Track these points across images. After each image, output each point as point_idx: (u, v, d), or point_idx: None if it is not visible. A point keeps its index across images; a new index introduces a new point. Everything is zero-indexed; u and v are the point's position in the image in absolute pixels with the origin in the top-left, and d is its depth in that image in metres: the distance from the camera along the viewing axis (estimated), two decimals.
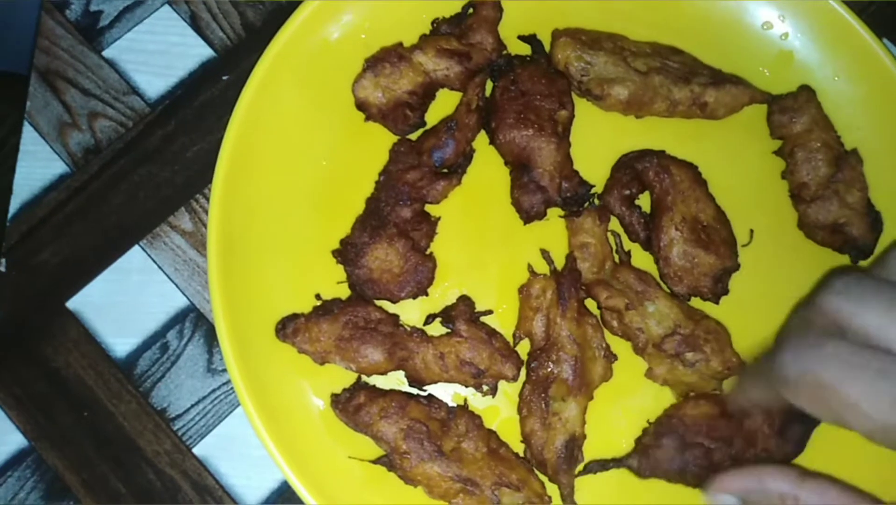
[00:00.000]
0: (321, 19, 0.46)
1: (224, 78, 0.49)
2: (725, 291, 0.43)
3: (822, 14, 0.47)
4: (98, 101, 0.48)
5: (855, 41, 0.46)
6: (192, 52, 0.49)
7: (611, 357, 0.42)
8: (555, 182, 0.43)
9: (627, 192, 0.45)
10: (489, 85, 0.46)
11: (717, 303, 0.43)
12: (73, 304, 0.45)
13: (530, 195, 0.43)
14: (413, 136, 0.46)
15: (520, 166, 0.44)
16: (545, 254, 0.45)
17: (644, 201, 0.45)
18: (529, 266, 0.44)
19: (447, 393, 0.43)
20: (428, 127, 0.46)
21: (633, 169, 0.44)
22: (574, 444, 0.40)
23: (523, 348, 0.43)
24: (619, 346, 0.43)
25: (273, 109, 0.45)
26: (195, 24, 0.50)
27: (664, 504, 0.42)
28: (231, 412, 0.44)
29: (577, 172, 0.45)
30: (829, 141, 0.45)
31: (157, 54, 0.49)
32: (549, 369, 0.41)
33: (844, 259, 0.45)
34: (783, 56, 0.48)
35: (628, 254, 0.45)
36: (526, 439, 0.41)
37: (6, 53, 0.72)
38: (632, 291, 0.42)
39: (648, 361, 0.42)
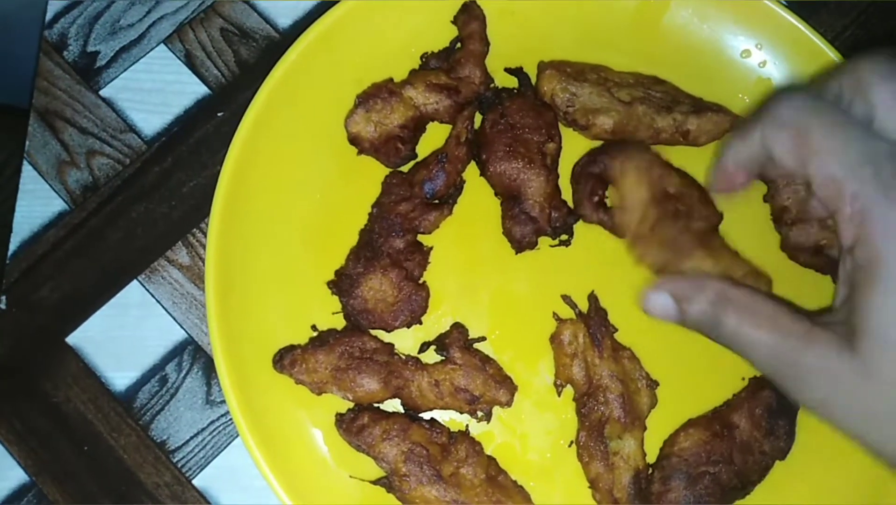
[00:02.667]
0: (313, 56, 0.47)
1: (219, 114, 0.50)
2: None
3: (797, 42, 0.48)
4: (96, 140, 0.49)
5: (828, 68, 0.48)
6: (187, 89, 0.51)
7: (653, 385, 0.43)
8: (545, 213, 0.44)
9: (596, 197, 0.45)
10: (478, 117, 0.48)
11: None
12: (72, 339, 0.46)
13: (521, 226, 0.44)
14: (405, 168, 0.47)
15: (510, 197, 0.45)
16: (567, 299, 0.45)
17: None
18: (555, 314, 0.45)
19: (443, 420, 0.44)
20: (419, 159, 0.48)
21: (591, 174, 0.45)
22: (640, 477, 0.41)
23: (567, 396, 0.44)
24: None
25: (268, 145, 0.46)
26: (190, 62, 0.51)
27: None
28: (230, 443, 0.45)
29: (565, 202, 0.46)
30: None
31: (154, 92, 0.50)
32: (600, 412, 0.42)
33: (827, 280, 0.46)
34: (762, 83, 0.50)
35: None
36: (593, 484, 0.42)
37: (5, 87, 0.73)
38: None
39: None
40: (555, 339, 0.44)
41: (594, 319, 0.43)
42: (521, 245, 0.45)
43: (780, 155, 0.31)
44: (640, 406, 0.42)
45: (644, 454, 0.42)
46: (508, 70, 0.49)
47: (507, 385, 0.43)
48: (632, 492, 0.40)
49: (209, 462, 0.44)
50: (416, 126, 0.47)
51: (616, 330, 0.44)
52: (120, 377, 0.45)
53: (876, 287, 0.27)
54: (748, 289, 0.32)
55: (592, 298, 0.45)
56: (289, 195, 0.46)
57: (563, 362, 0.43)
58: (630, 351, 0.44)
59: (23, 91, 0.53)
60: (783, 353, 0.29)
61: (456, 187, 0.47)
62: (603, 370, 0.42)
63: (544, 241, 0.46)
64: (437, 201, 0.46)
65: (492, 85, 0.48)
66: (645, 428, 0.42)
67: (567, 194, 0.47)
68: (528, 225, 0.45)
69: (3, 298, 0.46)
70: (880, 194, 0.27)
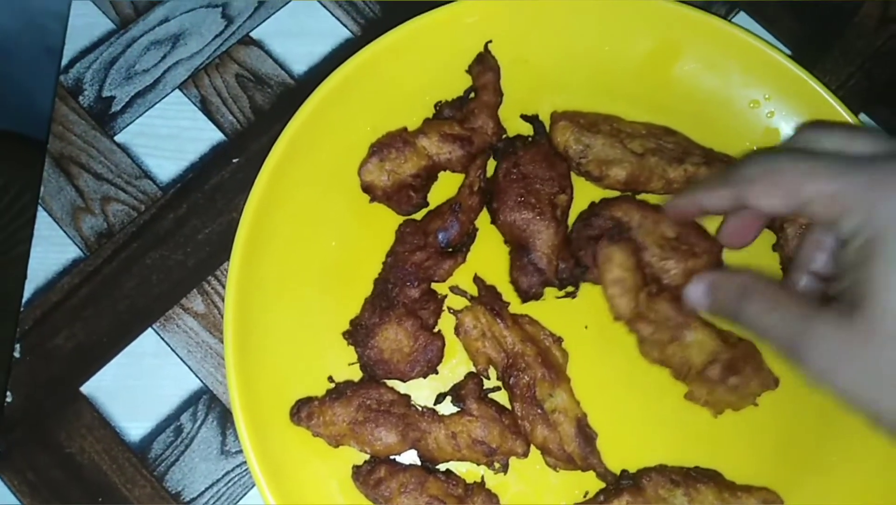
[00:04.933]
0: (330, 105, 0.48)
1: (234, 161, 0.51)
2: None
3: (802, 94, 0.49)
4: (111, 186, 0.50)
5: (834, 119, 0.49)
6: (202, 135, 0.51)
7: (558, 340, 0.45)
8: (552, 264, 0.45)
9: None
10: (491, 162, 0.48)
11: None
12: (86, 388, 0.46)
13: (528, 276, 0.45)
14: (417, 216, 0.48)
15: (519, 247, 0.46)
16: (455, 289, 0.47)
17: None
18: (449, 308, 0.46)
19: (459, 471, 0.44)
20: (431, 207, 0.48)
21: (590, 238, 0.46)
22: (582, 425, 0.43)
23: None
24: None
25: (285, 194, 0.46)
26: (205, 108, 0.51)
27: None
28: (245, 494, 0.45)
29: (572, 254, 0.46)
30: None
31: (169, 138, 0.51)
32: (526, 378, 0.43)
33: None
34: (770, 133, 0.50)
35: (660, 284, 0.45)
36: (543, 449, 0.43)
37: (22, 118, 0.73)
38: (671, 322, 0.44)
39: (689, 385, 0.44)
40: (459, 330, 0.45)
41: (487, 296, 0.45)
42: (527, 295, 0.45)
43: (767, 203, 0.35)
44: (557, 360, 0.44)
45: (577, 402, 0.43)
46: (524, 117, 0.50)
47: (524, 436, 0.43)
48: (580, 441, 0.42)
49: None
50: (429, 175, 0.48)
51: (508, 303, 0.46)
52: (135, 427, 0.45)
53: (876, 259, 0.31)
54: (767, 280, 0.37)
55: (478, 280, 0.47)
56: (305, 244, 0.47)
57: (476, 348, 0.44)
58: (527, 316, 0.45)
59: (41, 123, 0.53)
60: (792, 329, 0.33)
61: (469, 236, 0.47)
62: (513, 338, 0.43)
63: (550, 292, 0.46)
64: (450, 250, 0.47)
65: (504, 136, 0.49)
66: (569, 379, 0.44)
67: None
68: (534, 276, 0.45)
69: (18, 346, 0.46)
70: (875, 184, 0.32)
